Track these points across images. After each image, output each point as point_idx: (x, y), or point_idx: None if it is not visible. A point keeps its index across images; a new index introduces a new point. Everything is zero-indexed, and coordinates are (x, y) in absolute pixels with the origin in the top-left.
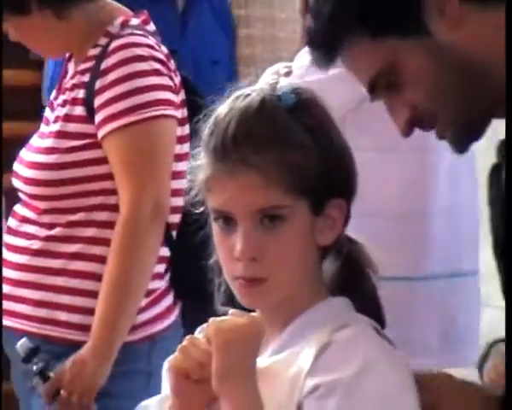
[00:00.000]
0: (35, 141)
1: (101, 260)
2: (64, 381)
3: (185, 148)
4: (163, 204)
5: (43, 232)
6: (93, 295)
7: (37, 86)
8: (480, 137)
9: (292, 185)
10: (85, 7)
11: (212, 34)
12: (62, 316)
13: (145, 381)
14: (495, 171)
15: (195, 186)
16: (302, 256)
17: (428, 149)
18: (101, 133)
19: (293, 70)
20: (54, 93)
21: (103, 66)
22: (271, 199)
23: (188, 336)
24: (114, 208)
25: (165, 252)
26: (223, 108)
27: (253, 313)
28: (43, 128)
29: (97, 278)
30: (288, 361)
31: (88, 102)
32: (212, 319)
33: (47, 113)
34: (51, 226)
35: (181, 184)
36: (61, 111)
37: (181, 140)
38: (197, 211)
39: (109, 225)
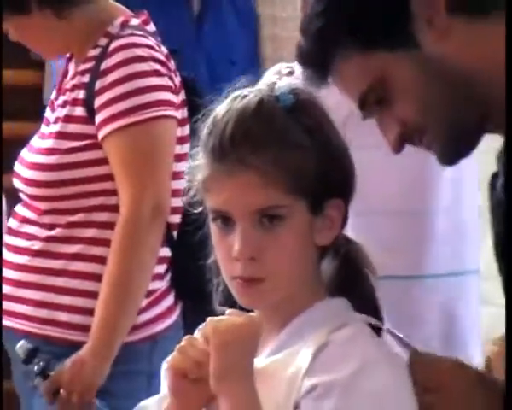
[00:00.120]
0: (35, 142)
1: (102, 260)
2: (63, 381)
3: (185, 148)
4: (163, 205)
5: (44, 233)
6: (93, 295)
7: (38, 86)
8: (470, 152)
9: (290, 185)
10: (85, 7)
11: (230, 35)
12: (63, 317)
13: (146, 381)
14: (495, 179)
15: (194, 186)
16: (300, 256)
17: None
18: (101, 134)
19: (296, 70)
20: (54, 93)
21: (103, 66)
22: (270, 199)
23: (186, 336)
24: (115, 209)
25: (165, 252)
26: (221, 109)
27: (251, 313)
28: (44, 129)
29: (98, 278)
30: (285, 361)
31: (88, 103)
32: (209, 319)
33: (47, 113)
34: (52, 227)
35: (181, 184)
36: (62, 112)
37: (181, 140)
38: (195, 211)
39: (109, 225)
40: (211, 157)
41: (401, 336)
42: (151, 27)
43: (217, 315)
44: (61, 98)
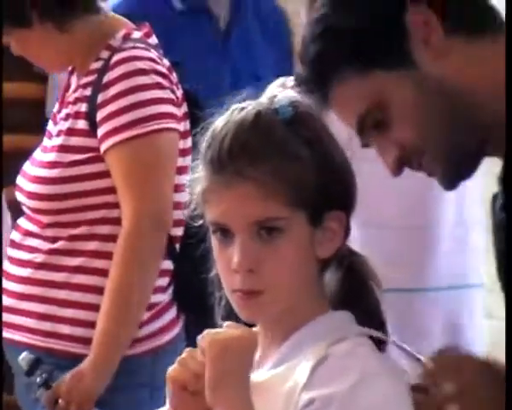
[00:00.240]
0: (38, 155)
1: (104, 273)
2: (62, 391)
3: (187, 161)
4: (165, 217)
5: (46, 246)
6: (95, 308)
7: (41, 99)
8: (471, 174)
9: (289, 197)
10: (87, 19)
11: (257, 49)
12: (65, 329)
13: (148, 394)
14: (495, 200)
15: (194, 199)
16: (300, 268)
17: None
18: (103, 147)
19: None
20: (56, 106)
21: (105, 79)
22: (268, 211)
23: (187, 349)
24: (117, 222)
25: (168, 265)
26: (220, 122)
27: (253, 328)
28: (46, 142)
29: (100, 291)
30: (284, 375)
31: (90, 116)
32: (206, 331)
33: (49, 126)
34: (54, 240)
35: (183, 197)
36: (64, 125)
37: (183, 153)
38: (196, 224)
39: (112, 238)
40: (209, 169)
41: (408, 348)
42: (153, 40)
43: None
44: (64, 111)
